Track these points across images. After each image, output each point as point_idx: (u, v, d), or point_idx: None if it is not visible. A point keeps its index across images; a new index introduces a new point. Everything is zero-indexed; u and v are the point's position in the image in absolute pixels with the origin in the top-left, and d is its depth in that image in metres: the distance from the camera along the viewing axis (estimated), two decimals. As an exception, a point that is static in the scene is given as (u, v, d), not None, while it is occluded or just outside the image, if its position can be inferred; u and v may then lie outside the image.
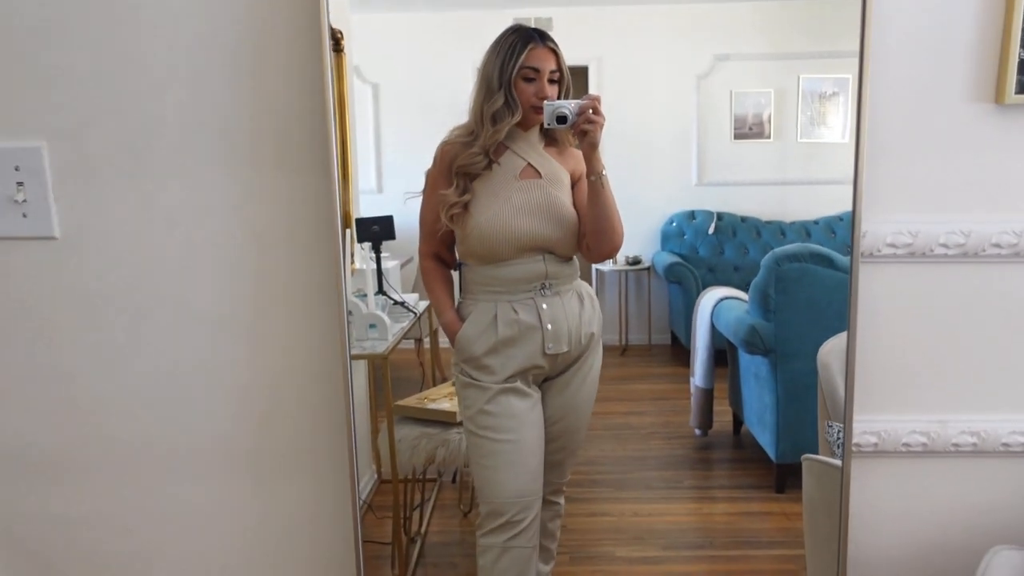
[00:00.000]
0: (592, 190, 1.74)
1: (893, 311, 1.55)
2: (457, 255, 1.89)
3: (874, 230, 1.50)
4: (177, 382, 1.65)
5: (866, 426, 1.57)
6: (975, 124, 1.45)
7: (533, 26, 1.84)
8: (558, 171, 1.83)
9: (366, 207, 3.98)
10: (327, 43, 1.50)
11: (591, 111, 1.65)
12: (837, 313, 2.75)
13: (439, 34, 4.05)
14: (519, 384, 1.81)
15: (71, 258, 1.58)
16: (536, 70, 1.73)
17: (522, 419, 1.82)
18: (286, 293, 1.60)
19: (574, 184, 1.85)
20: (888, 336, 1.56)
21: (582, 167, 1.79)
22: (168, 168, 1.53)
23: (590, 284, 2.02)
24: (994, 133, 1.46)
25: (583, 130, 1.66)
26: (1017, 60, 1.42)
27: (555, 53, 1.75)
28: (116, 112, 1.51)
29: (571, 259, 1.86)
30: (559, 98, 1.75)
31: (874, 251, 1.51)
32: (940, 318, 1.54)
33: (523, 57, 1.72)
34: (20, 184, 1.51)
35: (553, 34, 4.87)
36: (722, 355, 3.09)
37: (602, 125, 1.67)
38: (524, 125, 1.80)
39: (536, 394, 1.87)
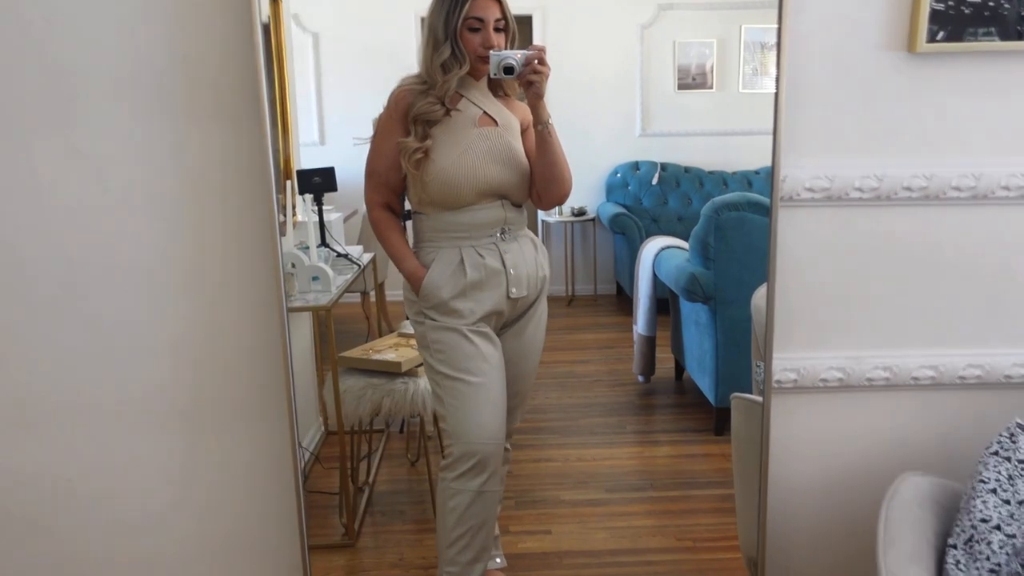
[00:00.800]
0: (540, 139, 1.79)
1: (811, 254, 1.62)
2: (409, 204, 1.92)
3: (793, 175, 1.57)
4: (111, 333, 1.65)
5: (786, 363, 1.66)
6: (889, 72, 1.51)
7: None
8: (510, 119, 1.87)
9: (309, 159, 3.95)
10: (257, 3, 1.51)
11: (537, 61, 1.69)
12: (772, 259, 2.87)
13: (377, -18, 4.02)
14: (486, 328, 1.86)
15: (1, 207, 1.57)
16: (481, 20, 1.74)
17: (492, 363, 1.86)
18: (222, 244, 1.61)
19: (523, 133, 1.90)
20: (807, 278, 1.64)
21: (529, 116, 1.84)
22: (98, 118, 1.53)
23: (536, 234, 2.07)
24: (907, 80, 1.52)
25: (529, 80, 1.71)
26: (929, 9, 1.48)
27: (499, 2, 1.76)
28: (41, 60, 1.50)
29: (522, 206, 1.92)
30: (506, 47, 1.78)
31: (793, 195, 1.57)
32: (855, 259, 1.62)
33: (467, 7, 1.72)
34: (-54, 131, 1.50)
35: (496, -17, 4.81)
36: (664, 303, 3.17)
37: (547, 75, 1.71)
38: (475, 75, 1.82)
39: (497, 340, 1.91)
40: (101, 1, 1.49)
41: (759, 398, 1.72)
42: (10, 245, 1.60)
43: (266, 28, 2.56)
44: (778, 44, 1.51)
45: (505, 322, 1.91)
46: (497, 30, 1.77)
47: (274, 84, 2.62)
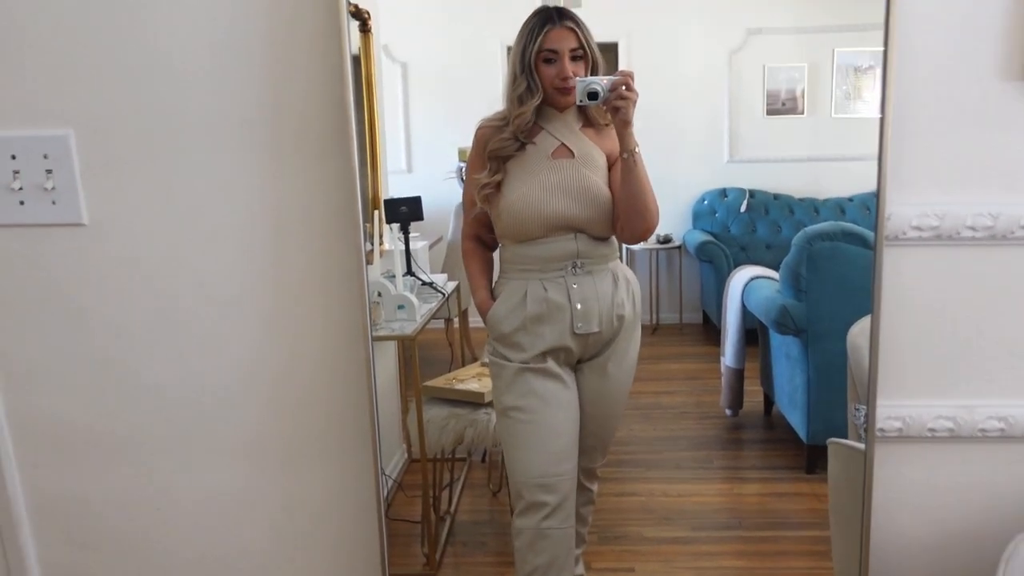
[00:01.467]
0: (625, 167, 1.72)
1: (919, 294, 1.53)
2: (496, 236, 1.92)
3: (899, 212, 1.48)
4: (202, 367, 1.68)
5: (891, 411, 1.56)
6: (1004, 103, 1.41)
7: (558, 4, 1.84)
8: (592, 151, 1.82)
9: (396, 186, 3.99)
10: (346, 31, 1.51)
11: (623, 87, 1.63)
12: (869, 293, 2.73)
13: (468, 13, 4.04)
14: (549, 364, 1.82)
15: (99, 244, 1.61)
16: (555, 51, 1.73)
17: (547, 399, 1.82)
18: (308, 278, 1.62)
19: (611, 165, 1.83)
20: (914, 320, 1.54)
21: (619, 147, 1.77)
22: (191, 157, 1.56)
23: (621, 261, 2.02)
24: (1022, 111, 1.42)
25: (615, 106, 1.65)
26: (1048, 37, 1.39)
27: (575, 31, 1.74)
28: (140, 102, 1.54)
29: (607, 240, 1.85)
30: (586, 75, 1.75)
31: (899, 234, 1.49)
32: (967, 302, 1.52)
33: (540, 39, 1.72)
34: (49, 172, 1.54)
35: (582, 11, 4.82)
36: (753, 335, 3.07)
37: (635, 101, 1.65)
38: (558, 106, 1.80)
39: (568, 376, 1.86)
40: (195, 39, 1.51)
41: (859, 444, 1.62)
42: (110, 279, 1.63)
43: (356, 59, 2.60)
44: (884, 75, 1.44)
45: (580, 358, 1.87)
46: (575, 59, 1.75)
47: (363, 114, 2.64)
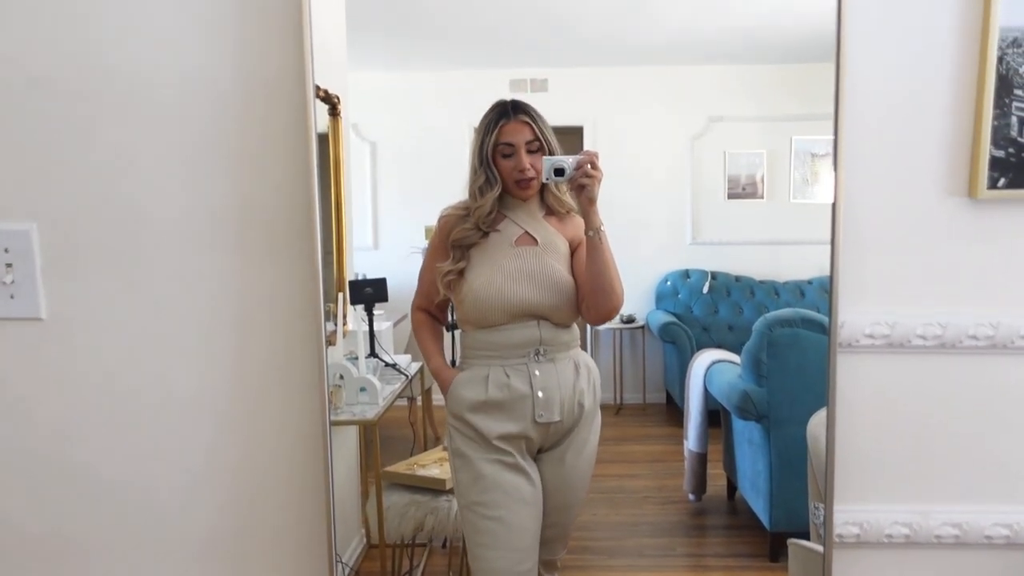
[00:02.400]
0: (590, 245, 1.74)
1: (873, 400, 1.55)
2: (455, 319, 1.91)
3: (852, 320, 1.51)
4: (156, 466, 1.64)
5: (848, 516, 1.56)
6: (950, 217, 1.46)
7: (515, 98, 1.88)
8: (555, 239, 1.83)
9: (362, 263, 3.99)
10: (313, 133, 1.52)
11: (588, 165, 1.66)
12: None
13: (436, 94, 4.11)
14: (513, 457, 1.80)
15: (56, 340, 1.58)
16: (511, 145, 1.76)
17: (512, 495, 1.79)
18: (269, 371, 1.60)
19: (573, 252, 1.85)
20: (869, 425, 1.56)
21: (582, 235, 1.79)
22: (155, 254, 1.54)
23: (584, 343, 2.03)
24: (969, 227, 1.46)
25: (580, 184, 1.67)
26: (988, 156, 1.44)
27: (530, 124, 1.77)
28: (106, 199, 1.53)
29: (569, 327, 1.85)
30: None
31: (853, 341, 1.51)
32: (921, 408, 1.54)
33: (496, 133, 1.76)
34: (9, 266, 1.52)
35: (547, 96, 4.93)
36: (716, 417, 3.08)
37: (600, 179, 1.69)
38: (520, 195, 1.82)
39: (531, 468, 1.84)
40: (162, 135, 1.52)
41: (818, 547, 1.62)
42: (67, 375, 1.60)
43: (324, 141, 2.62)
44: (835, 189, 1.48)
45: (540, 447, 1.86)
46: (531, 151, 1.76)
47: (330, 195, 2.65)
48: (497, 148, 1.77)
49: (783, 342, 2.65)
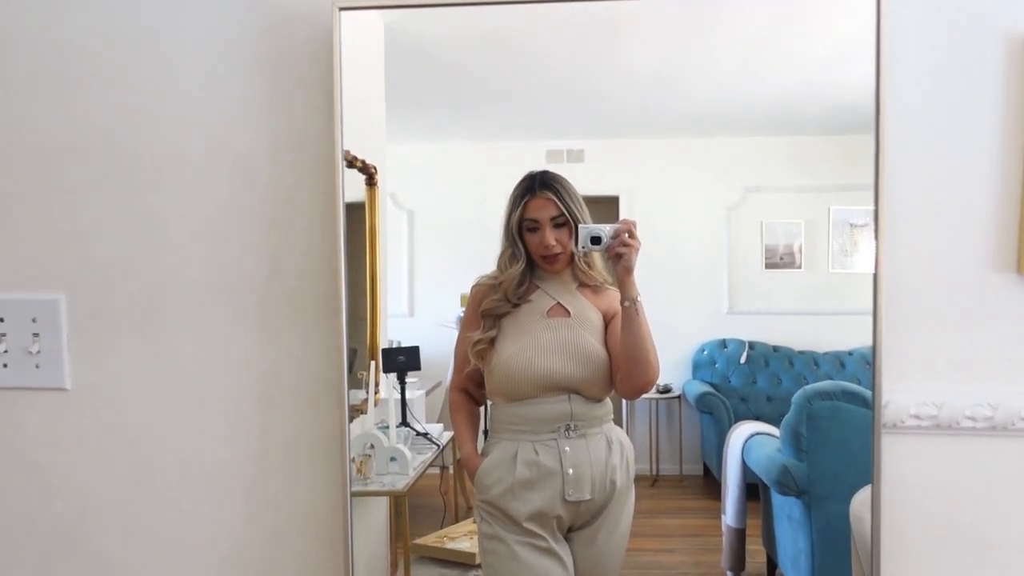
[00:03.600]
0: (626, 316, 1.74)
1: (921, 484, 1.46)
2: (486, 393, 1.87)
3: (897, 400, 1.43)
4: (174, 547, 1.59)
5: (895, 603, 1.46)
6: (997, 294, 1.40)
7: (542, 170, 1.86)
8: (588, 311, 1.84)
9: (397, 330, 3.97)
10: (341, 207, 1.50)
11: (626, 234, 1.68)
12: (871, 457, 2.64)
13: (473, 164, 4.12)
14: (545, 540, 1.73)
15: (80, 410, 1.56)
16: (536, 221, 1.80)
17: None
18: (292, 448, 1.56)
19: (607, 324, 1.85)
20: (917, 509, 1.47)
21: (616, 307, 1.79)
22: (179, 324, 1.53)
23: (619, 413, 1.98)
24: (1018, 303, 1.40)
25: (618, 253, 1.69)
26: (1037, 231, 1.37)
27: (554, 201, 1.79)
28: (133, 269, 1.53)
29: (601, 401, 1.84)
30: (570, 241, 1.76)
31: (897, 422, 1.43)
32: (972, 493, 1.45)
33: (520, 210, 1.81)
34: (36, 335, 1.51)
35: (584, 166, 4.93)
36: (755, 489, 2.95)
37: (637, 248, 1.70)
38: (548, 269, 1.83)
39: (564, 551, 1.78)
40: (191, 206, 1.51)
41: (866, 632, 1.51)
42: (90, 445, 1.57)
43: (362, 208, 2.61)
44: (876, 263, 1.42)
45: (571, 527, 1.78)
46: (557, 226, 1.77)
47: (366, 263, 2.63)
48: (523, 223, 1.82)
49: (823, 415, 2.55)
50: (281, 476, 1.54)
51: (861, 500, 1.80)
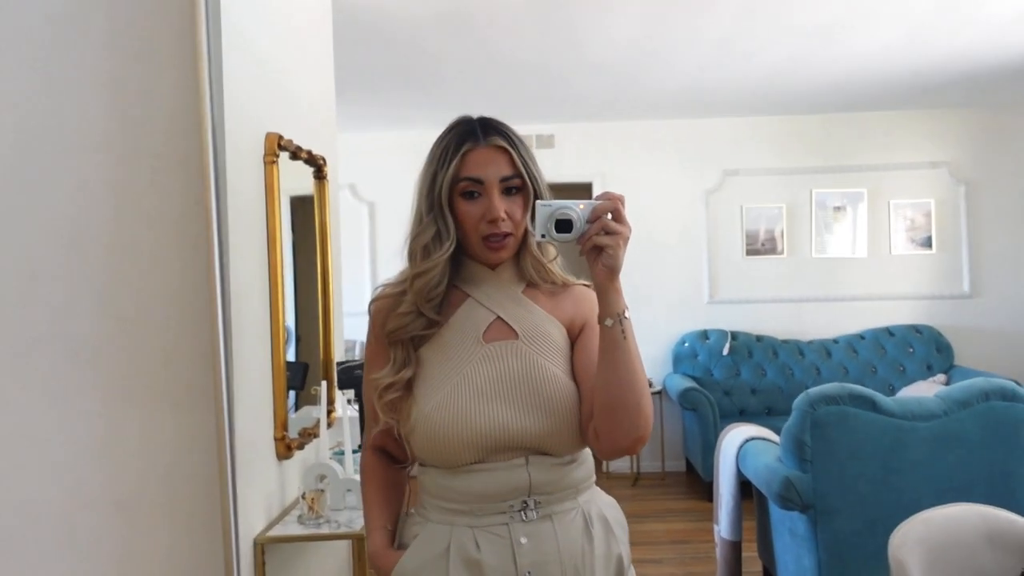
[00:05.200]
0: (607, 340, 1.08)
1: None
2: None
3: None
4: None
5: None
6: None
7: (480, 119, 1.15)
8: (544, 324, 1.18)
9: (356, 329, 3.60)
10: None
11: (609, 215, 1.03)
12: (885, 465, 2.33)
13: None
14: None
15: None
16: (478, 181, 1.11)
17: None
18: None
19: (574, 339, 1.19)
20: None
21: (585, 312, 1.17)
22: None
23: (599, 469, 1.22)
24: None
25: (598, 245, 1.03)
26: None
27: (508, 151, 1.12)
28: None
29: (575, 459, 1.16)
30: (523, 217, 1.12)
31: None
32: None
33: (455, 165, 1.10)
34: None
35: (556, 151, 4.56)
36: (747, 489, 2.63)
37: (627, 238, 1.04)
38: (488, 259, 1.16)
39: None
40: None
41: None
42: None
43: (311, 202, 2.25)
44: None
45: None
46: (509, 192, 1.11)
47: (316, 264, 2.26)
48: (456, 186, 1.11)
49: (829, 421, 2.20)
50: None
51: (900, 542, 1.46)
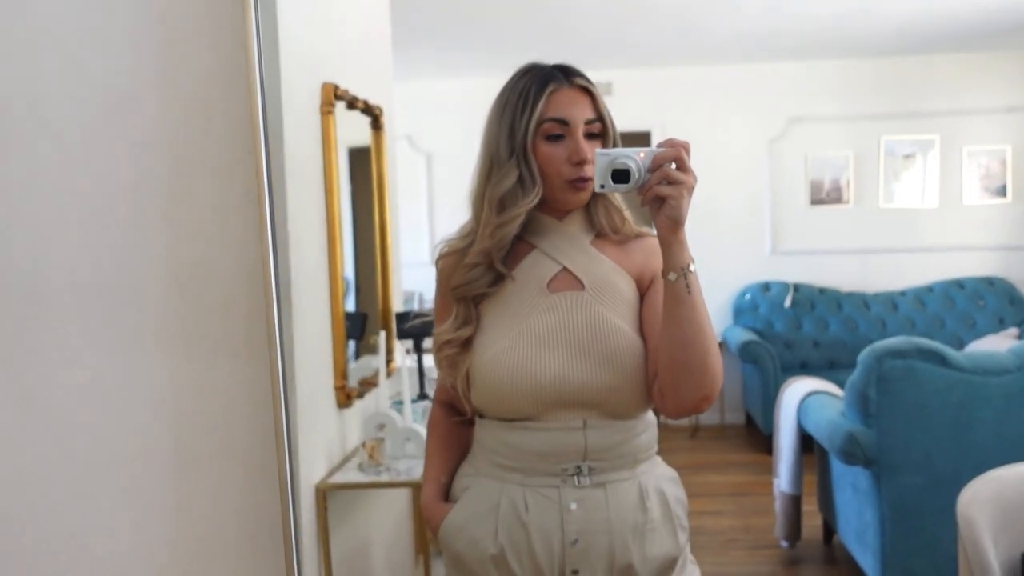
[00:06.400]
0: (672, 295, 1.04)
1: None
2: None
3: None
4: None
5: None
6: None
7: (557, 65, 1.12)
8: (612, 276, 1.15)
9: (415, 279, 3.61)
10: (267, 197, 1.09)
11: (672, 164, 0.99)
12: (954, 421, 2.25)
13: (490, 100, 3.72)
14: None
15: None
16: (564, 122, 1.08)
17: None
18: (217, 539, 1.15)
19: (643, 295, 1.16)
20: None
21: (655, 265, 1.11)
22: (52, 348, 1.10)
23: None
24: None
25: (660, 194, 0.99)
26: None
27: (590, 94, 1.10)
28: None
29: (634, 421, 1.12)
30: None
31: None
32: None
33: (541, 106, 1.08)
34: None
35: (613, 99, 4.48)
36: (808, 442, 2.58)
37: (691, 188, 1.00)
38: (557, 210, 1.15)
39: None
40: (76, 180, 1.10)
41: None
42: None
43: (368, 153, 2.25)
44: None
45: None
46: (590, 136, 1.08)
47: (374, 215, 2.26)
48: (541, 128, 1.08)
49: (895, 376, 2.14)
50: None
51: (969, 499, 1.41)
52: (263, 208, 1.07)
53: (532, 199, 1.09)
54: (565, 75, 1.09)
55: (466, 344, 1.12)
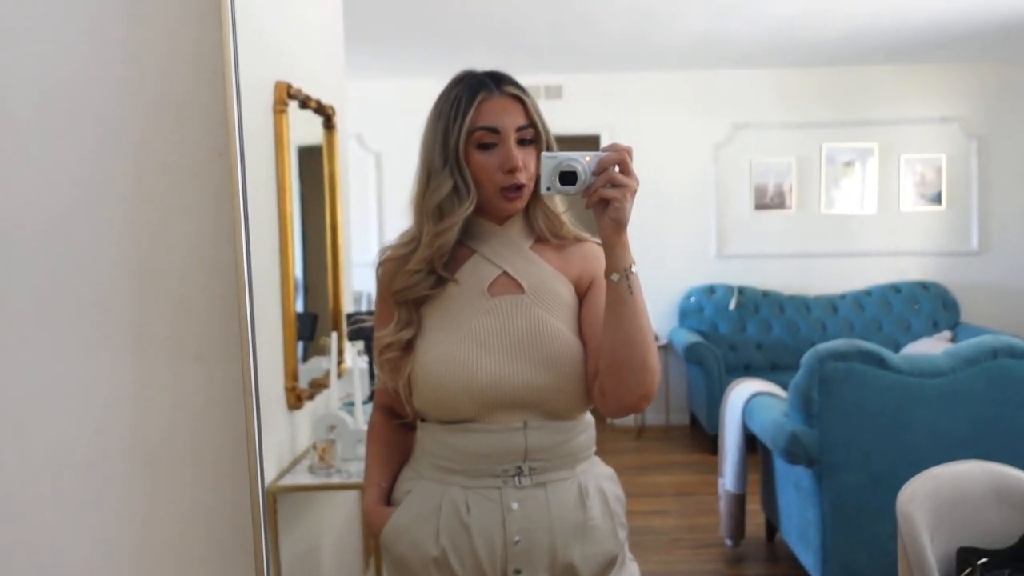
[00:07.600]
0: (614, 296, 1.07)
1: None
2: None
3: None
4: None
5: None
6: None
7: (488, 72, 1.14)
8: (551, 281, 1.17)
9: (363, 280, 3.57)
10: (241, 192, 1.08)
11: (616, 167, 1.00)
12: (892, 421, 2.33)
13: (445, 102, 3.72)
14: None
15: None
16: (495, 131, 1.09)
17: None
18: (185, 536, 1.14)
19: (582, 297, 1.18)
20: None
21: (593, 269, 1.15)
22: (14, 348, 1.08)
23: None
24: None
25: (604, 197, 1.01)
26: None
27: (521, 101, 1.11)
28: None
29: (574, 422, 1.14)
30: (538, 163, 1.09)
31: None
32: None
33: (472, 115, 1.09)
34: None
35: (563, 102, 4.50)
36: (751, 443, 2.64)
37: (634, 190, 1.02)
38: (496, 216, 1.16)
39: None
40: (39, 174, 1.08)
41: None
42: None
43: (319, 152, 2.23)
44: None
45: None
46: (523, 143, 1.10)
47: (325, 214, 2.24)
48: (472, 137, 1.10)
49: (837, 378, 2.20)
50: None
51: (908, 496, 1.47)
52: (237, 209, 1.06)
53: (467, 207, 1.10)
54: (496, 83, 1.11)
55: (408, 347, 1.13)
